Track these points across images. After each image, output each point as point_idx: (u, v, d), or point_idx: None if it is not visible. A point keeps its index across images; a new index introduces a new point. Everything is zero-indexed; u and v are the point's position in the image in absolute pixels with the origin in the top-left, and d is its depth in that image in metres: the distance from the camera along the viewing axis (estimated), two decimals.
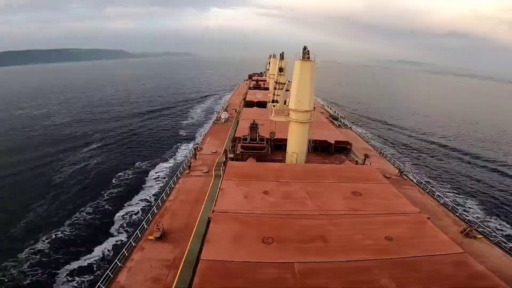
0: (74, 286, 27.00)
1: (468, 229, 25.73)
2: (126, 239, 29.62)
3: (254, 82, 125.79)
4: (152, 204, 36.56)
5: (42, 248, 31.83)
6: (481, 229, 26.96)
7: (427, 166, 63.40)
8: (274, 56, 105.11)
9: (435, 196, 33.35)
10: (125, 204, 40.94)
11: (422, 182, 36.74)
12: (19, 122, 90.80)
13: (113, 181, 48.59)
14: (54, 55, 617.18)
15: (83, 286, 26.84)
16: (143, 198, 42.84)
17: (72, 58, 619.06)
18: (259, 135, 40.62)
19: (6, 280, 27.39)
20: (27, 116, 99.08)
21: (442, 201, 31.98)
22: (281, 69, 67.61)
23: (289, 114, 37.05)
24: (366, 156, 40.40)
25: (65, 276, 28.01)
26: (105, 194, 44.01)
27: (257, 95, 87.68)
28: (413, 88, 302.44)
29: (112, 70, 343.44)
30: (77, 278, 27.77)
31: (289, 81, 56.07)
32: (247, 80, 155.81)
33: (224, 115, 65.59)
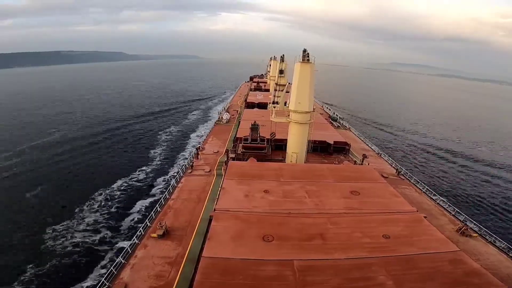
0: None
1: (464, 227, 26.15)
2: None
3: (255, 84, 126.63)
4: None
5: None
6: (476, 228, 27.41)
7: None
8: (275, 59, 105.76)
9: (431, 196, 33.81)
10: None
11: (419, 182, 37.18)
12: None
13: None
14: (41, 58, 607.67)
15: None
16: None
17: (64, 61, 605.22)
18: (259, 136, 41.22)
19: None
20: None
21: (438, 201, 32.44)
22: (281, 71, 68.18)
23: (289, 115, 37.55)
24: (364, 156, 40.91)
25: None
26: None
27: (258, 97, 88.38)
28: (415, 90, 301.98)
29: None
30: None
31: (289, 83, 56.61)
32: (248, 81, 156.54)
33: (225, 116, 66.28)
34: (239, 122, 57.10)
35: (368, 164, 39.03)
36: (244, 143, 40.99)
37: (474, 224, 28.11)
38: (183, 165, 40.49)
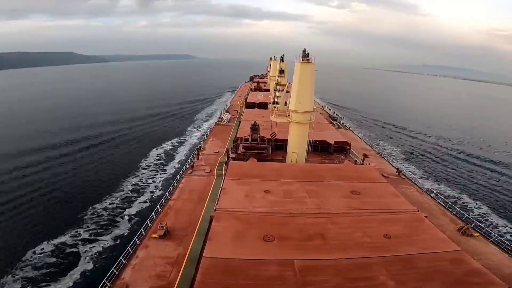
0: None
1: (465, 227, 26.14)
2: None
3: (255, 84, 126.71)
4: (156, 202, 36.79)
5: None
6: (477, 227, 27.36)
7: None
8: (275, 59, 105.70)
9: (432, 195, 33.80)
10: None
11: (419, 182, 37.18)
12: None
13: None
14: None
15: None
16: None
17: None
18: (260, 136, 41.28)
19: None
20: None
21: (439, 200, 32.42)
22: (281, 71, 68.11)
23: (289, 115, 37.55)
24: (365, 156, 40.96)
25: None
26: None
27: (258, 97, 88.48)
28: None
29: None
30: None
31: (289, 83, 56.65)
32: (248, 82, 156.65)
33: (226, 116, 66.42)
34: (240, 122, 57.20)
35: (369, 164, 39.02)
36: (244, 143, 41.02)
37: (476, 223, 28.00)
38: (183, 166, 40.44)
